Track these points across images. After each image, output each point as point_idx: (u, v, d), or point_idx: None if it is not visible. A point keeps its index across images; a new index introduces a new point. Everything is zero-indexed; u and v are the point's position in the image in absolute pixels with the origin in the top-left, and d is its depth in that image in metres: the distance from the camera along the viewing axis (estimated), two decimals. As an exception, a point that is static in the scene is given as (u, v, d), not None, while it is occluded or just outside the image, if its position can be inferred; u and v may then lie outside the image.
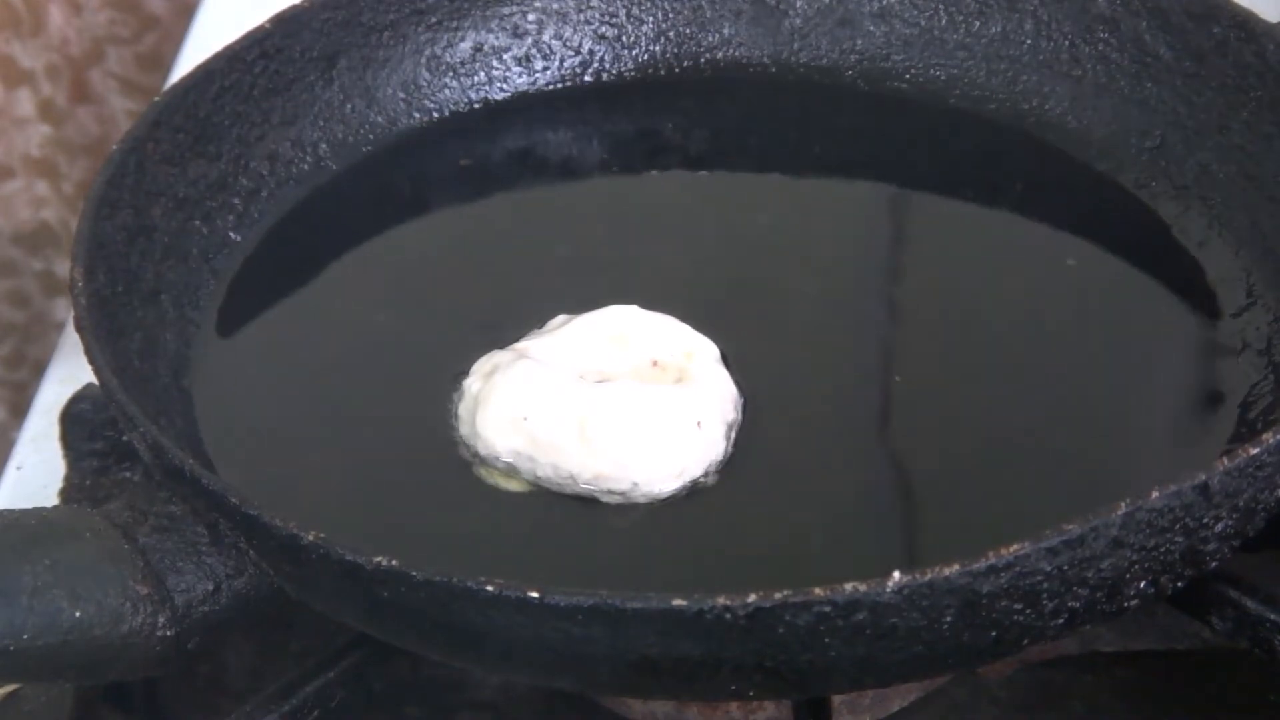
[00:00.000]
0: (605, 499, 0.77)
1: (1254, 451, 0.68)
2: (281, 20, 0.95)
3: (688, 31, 1.02)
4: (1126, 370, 0.83)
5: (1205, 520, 0.68)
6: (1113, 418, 0.81)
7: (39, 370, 1.07)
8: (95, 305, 0.80)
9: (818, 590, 0.64)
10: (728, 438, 0.79)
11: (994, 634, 0.67)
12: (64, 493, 0.89)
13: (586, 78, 1.02)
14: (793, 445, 0.80)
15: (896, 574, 0.65)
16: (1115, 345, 0.84)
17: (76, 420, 0.91)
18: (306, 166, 0.96)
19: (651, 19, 1.02)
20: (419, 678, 0.78)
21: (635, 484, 0.77)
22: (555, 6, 1.01)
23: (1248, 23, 0.90)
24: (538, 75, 1.01)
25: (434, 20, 1.00)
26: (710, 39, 1.02)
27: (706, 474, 0.78)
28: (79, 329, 0.79)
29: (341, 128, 0.97)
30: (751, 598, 0.64)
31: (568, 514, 0.77)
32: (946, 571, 0.65)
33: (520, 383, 0.79)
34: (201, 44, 1.20)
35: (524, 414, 0.78)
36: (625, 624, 0.66)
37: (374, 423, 0.83)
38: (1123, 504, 0.66)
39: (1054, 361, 0.83)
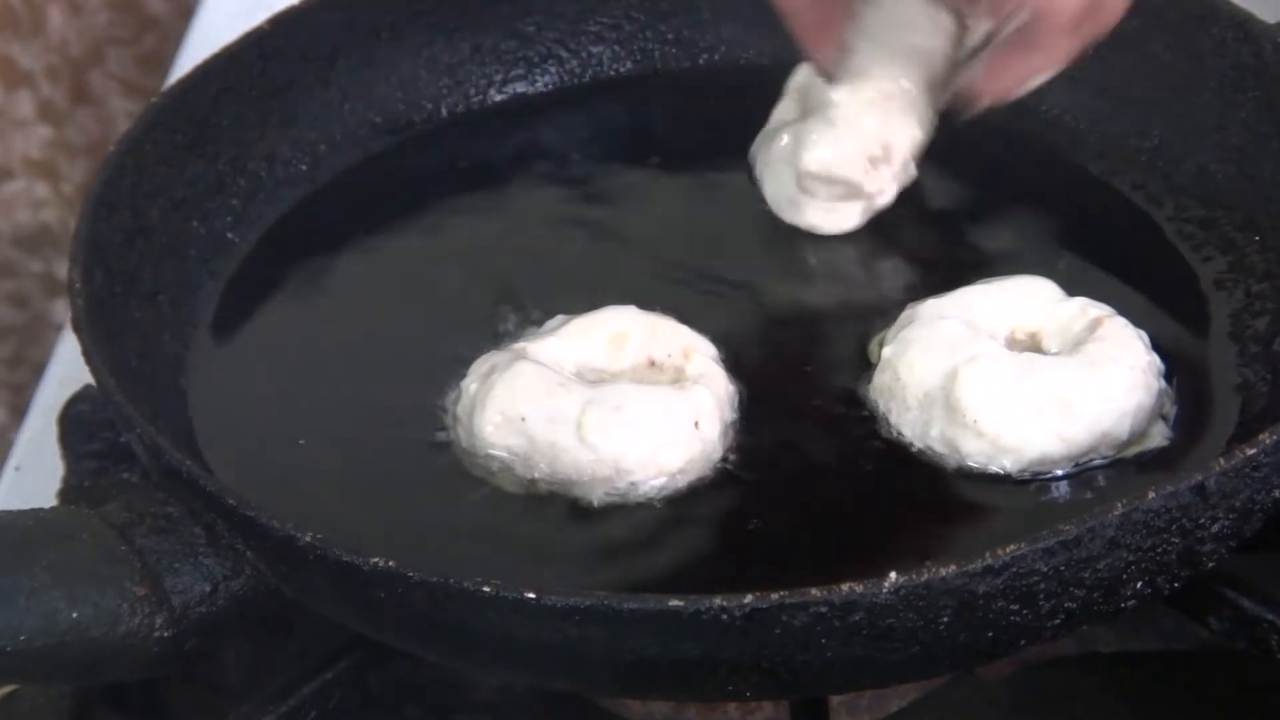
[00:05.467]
0: (602, 499, 0.77)
1: (1250, 452, 0.68)
2: (280, 21, 0.95)
3: (686, 33, 1.02)
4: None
5: (1202, 521, 0.68)
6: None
7: (39, 371, 1.08)
8: (93, 306, 0.81)
9: (814, 591, 0.65)
10: (725, 438, 0.79)
11: (991, 635, 0.67)
12: (62, 494, 0.89)
13: (585, 79, 1.02)
14: (790, 445, 0.80)
15: (893, 574, 0.65)
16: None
17: (75, 421, 0.91)
18: (304, 167, 0.96)
19: (650, 20, 1.02)
20: (417, 678, 0.78)
21: (632, 484, 0.77)
22: (553, 8, 1.01)
23: (1245, 23, 0.90)
24: (536, 76, 1.01)
25: (432, 21, 1.00)
26: (709, 40, 1.02)
27: (704, 474, 0.78)
28: (77, 330, 0.79)
29: (339, 128, 0.97)
30: (748, 598, 0.64)
31: (565, 514, 0.77)
32: (943, 572, 0.65)
33: (518, 383, 0.79)
34: (201, 45, 1.20)
35: (521, 414, 0.78)
36: (622, 625, 0.66)
37: (372, 423, 0.83)
38: (1119, 504, 0.66)
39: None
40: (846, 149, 0.89)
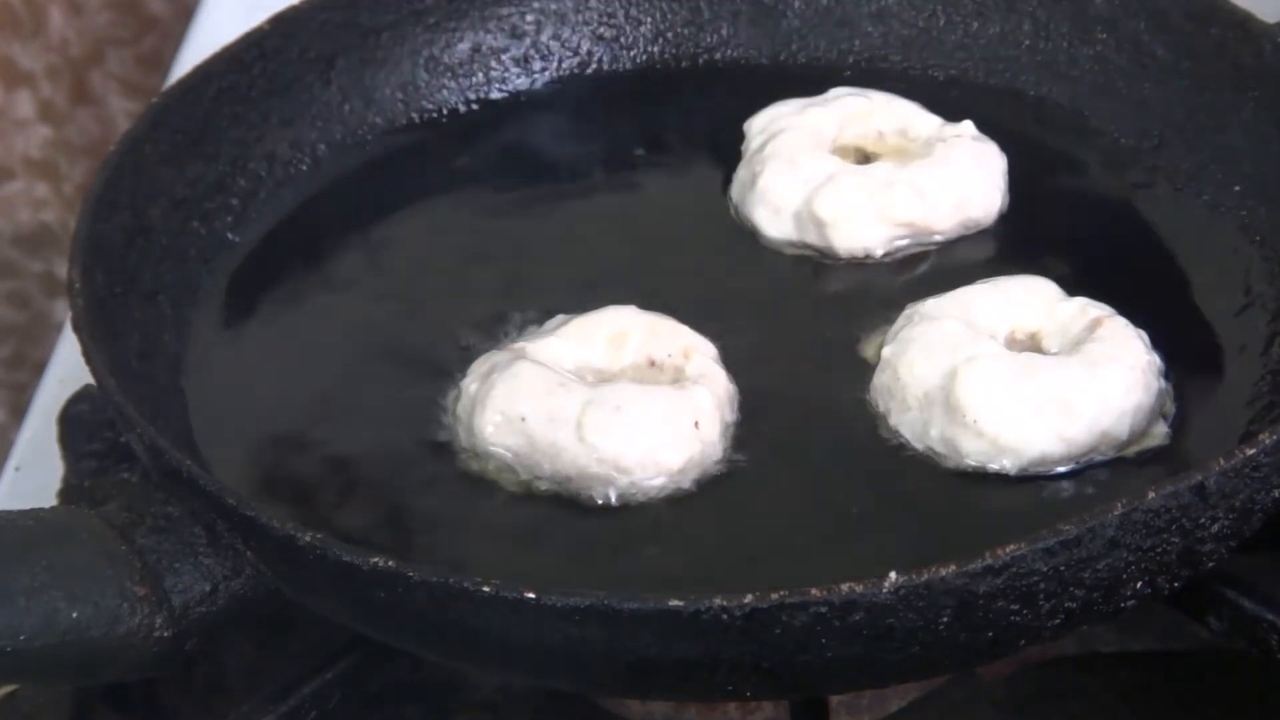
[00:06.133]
0: (602, 499, 0.77)
1: (1250, 452, 0.68)
2: (280, 21, 0.96)
3: (686, 32, 1.02)
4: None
5: (1202, 521, 0.68)
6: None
7: (39, 371, 1.08)
8: (93, 306, 0.81)
9: (814, 590, 0.65)
10: (725, 437, 0.79)
11: (991, 634, 0.67)
12: (62, 493, 0.89)
13: (585, 79, 1.02)
14: (790, 444, 0.80)
15: (893, 574, 0.65)
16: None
17: (75, 421, 0.91)
18: (305, 167, 0.96)
19: (650, 20, 1.02)
20: (417, 678, 0.78)
21: (632, 484, 0.77)
22: (553, 7, 1.01)
23: (1246, 23, 0.90)
24: (536, 76, 1.01)
25: (432, 21, 1.00)
26: (708, 39, 1.02)
27: (704, 474, 0.78)
28: (77, 330, 0.79)
29: (340, 128, 0.98)
30: (748, 598, 0.64)
31: (565, 514, 0.77)
32: (943, 572, 0.65)
33: (518, 383, 0.79)
34: (201, 45, 1.20)
35: (521, 414, 0.78)
36: (622, 624, 0.66)
37: (372, 423, 0.83)
38: (1119, 504, 0.66)
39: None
40: (876, 235, 0.89)
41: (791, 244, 0.90)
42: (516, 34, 1.01)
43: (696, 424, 0.78)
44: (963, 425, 0.77)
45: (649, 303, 0.84)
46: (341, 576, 0.69)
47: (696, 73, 1.02)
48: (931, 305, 0.82)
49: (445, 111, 1.00)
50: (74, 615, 0.68)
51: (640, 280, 0.87)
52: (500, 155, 0.99)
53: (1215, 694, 0.78)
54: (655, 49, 1.02)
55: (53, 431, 0.92)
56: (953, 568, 0.65)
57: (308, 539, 0.69)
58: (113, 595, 0.70)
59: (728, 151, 0.94)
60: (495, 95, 1.01)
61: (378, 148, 0.98)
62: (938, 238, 0.89)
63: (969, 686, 0.77)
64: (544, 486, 0.78)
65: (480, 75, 1.01)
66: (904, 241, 0.89)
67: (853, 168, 0.90)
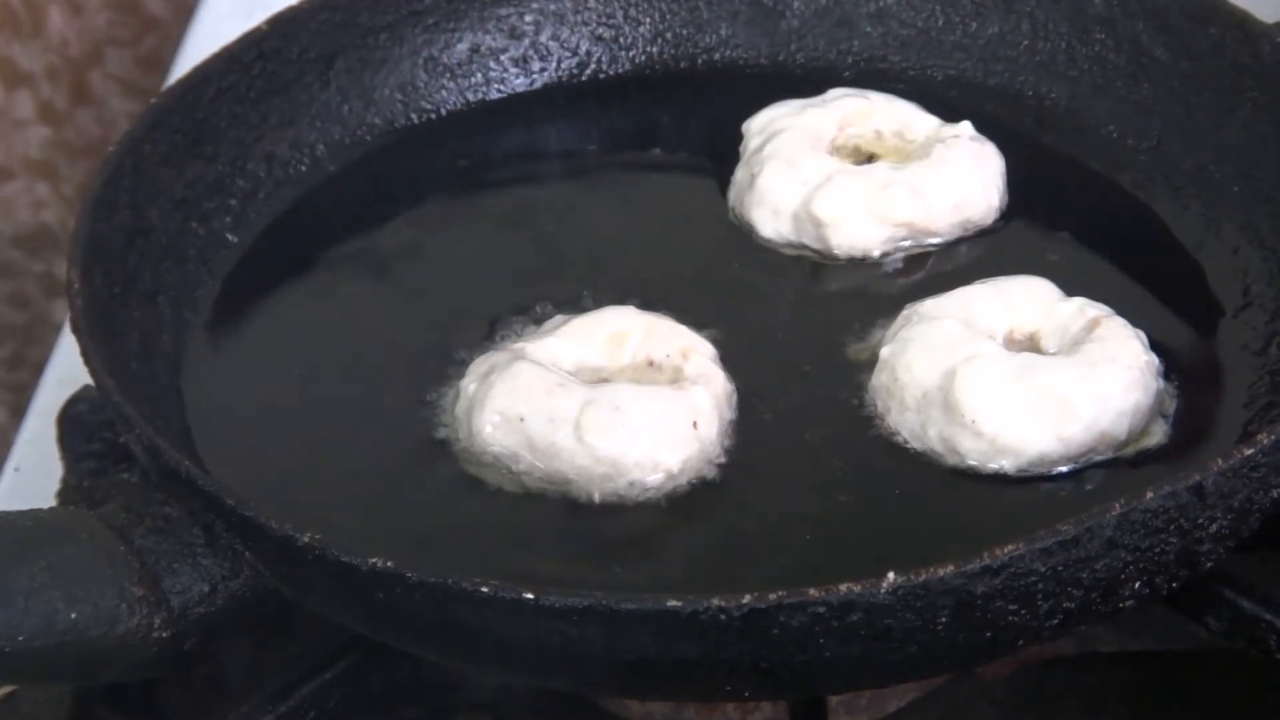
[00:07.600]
0: (601, 499, 0.77)
1: (1249, 452, 0.68)
2: (279, 22, 0.96)
3: (685, 32, 1.02)
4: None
5: (1200, 521, 0.68)
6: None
7: (39, 371, 1.08)
8: (92, 306, 0.81)
9: (812, 591, 0.65)
10: (723, 437, 0.79)
11: (989, 635, 0.67)
12: (61, 494, 0.89)
13: (584, 79, 1.02)
14: (789, 445, 0.80)
15: (891, 574, 0.65)
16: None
17: (74, 422, 0.91)
18: (304, 168, 0.96)
19: (649, 20, 1.02)
20: (416, 678, 0.78)
21: (631, 484, 0.77)
22: (552, 8, 1.01)
23: (1244, 23, 0.90)
24: (535, 76, 1.02)
25: (431, 22, 1.00)
26: (707, 40, 1.02)
27: (702, 474, 0.78)
28: (75, 330, 0.79)
29: (339, 129, 0.98)
30: (746, 598, 0.64)
31: (564, 514, 0.77)
32: (941, 572, 0.65)
33: (517, 383, 0.79)
34: (201, 45, 1.20)
35: (520, 414, 0.78)
36: (620, 625, 0.66)
37: (371, 424, 0.83)
38: (1117, 504, 0.66)
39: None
40: (874, 235, 0.89)
41: (790, 244, 0.90)
42: (515, 34, 1.01)
43: (695, 424, 0.78)
44: (961, 425, 0.77)
45: (648, 303, 0.84)
46: (340, 576, 0.69)
47: (695, 73, 1.02)
48: (930, 305, 0.82)
49: (444, 111, 1.00)
50: (73, 616, 0.69)
51: (639, 280, 0.88)
52: (499, 155, 0.99)
53: (1215, 694, 0.78)
54: (654, 49, 1.02)
55: (52, 432, 0.92)
56: (951, 568, 0.65)
57: (306, 539, 0.69)
58: (111, 596, 0.70)
59: (726, 152, 0.94)
60: (494, 95, 1.01)
61: (377, 148, 0.98)
62: (936, 238, 0.89)
63: (968, 686, 0.77)
64: (543, 486, 0.78)
65: (479, 75, 1.01)
66: (902, 242, 0.89)
67: (851, 168, 0.90)
